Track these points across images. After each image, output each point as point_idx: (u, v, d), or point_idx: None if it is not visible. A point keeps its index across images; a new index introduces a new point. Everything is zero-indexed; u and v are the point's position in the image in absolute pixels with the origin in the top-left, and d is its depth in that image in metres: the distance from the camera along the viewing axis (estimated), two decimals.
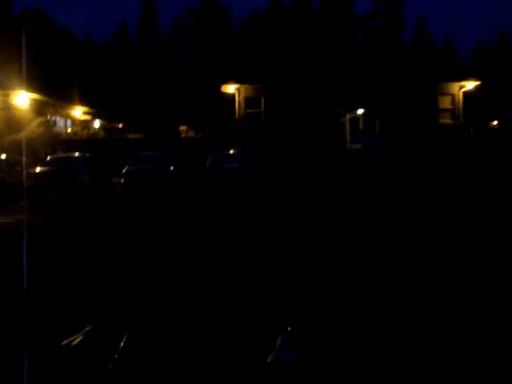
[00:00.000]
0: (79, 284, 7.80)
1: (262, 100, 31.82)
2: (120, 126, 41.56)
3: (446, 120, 32.27)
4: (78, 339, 5.24)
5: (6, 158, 24.55)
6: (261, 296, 7.03)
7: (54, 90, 35.14)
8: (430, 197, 17.27)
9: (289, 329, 4.87)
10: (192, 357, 4.96)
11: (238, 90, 31.75)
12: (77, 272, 8.57)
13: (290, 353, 4.47)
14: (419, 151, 26.08)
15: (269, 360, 4.45)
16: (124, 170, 21.62)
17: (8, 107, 31.93)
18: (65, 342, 5.17)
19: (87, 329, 5.50)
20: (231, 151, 24.15)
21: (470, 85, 32.15)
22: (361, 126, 33.20)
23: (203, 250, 10.20)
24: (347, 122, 32.92)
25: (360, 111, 32.28)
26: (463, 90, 32.25)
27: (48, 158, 24.28)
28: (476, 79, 32.40)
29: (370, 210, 15.30)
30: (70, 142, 31.11)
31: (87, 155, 23.96)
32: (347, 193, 17.78)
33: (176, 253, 9.98)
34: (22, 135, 29.68)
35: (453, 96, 32.41)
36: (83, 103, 39.94)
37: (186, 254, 9.94)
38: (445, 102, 32.62)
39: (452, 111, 32.51)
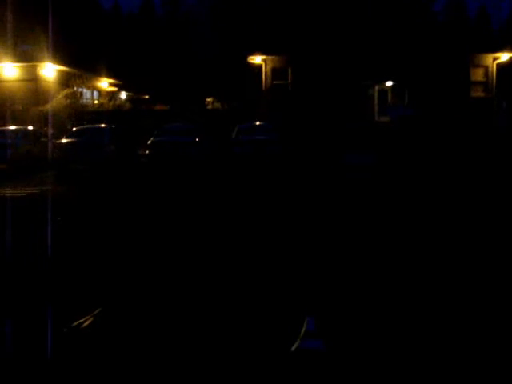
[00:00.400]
0: (96, 259, 7.70)
1: (289, 71, 31.29)
2: (146, 97, 41.44)
3: (479, 93, 31.34)
4: (88, 321, 5.12)
5: (33, 129, 24.62)
6: (278, 277, 6.84)
7: (81, 62, 35.07)
8: (455, 170, 16.86)
9: (310, 317, 4.66)
10: (212, 346, 4.77)
11: (265, 61, 31.25)
12: (96, 247, 8.47)
13: (315, 341, 4.28)
14: (449, 125, 25.46)
15: (293, 349, 4.26)
16: (149, 142, 21.49)
17: (35, 79, 32.00)
18: (75, 323, 5.06)
19: (97, 311, 5.38)
20: (257, 123, 23.81)
21: (504, 56, 31.10)
22: (389, 98, 32.53)
23: (224, 224, 10.03)
24: (375, 94, 32.28)
25: (389, 83, 31.60)
26: (497, 61, 31.23)
27: (74, 129, 24.27)
28: (511, 50, 31.33)
29: (392, 180, 15.10)
30: (97, 114, 31.04)
31: (113, 126, 23.89)
32: (371, 163, 17.45)
33: (198, 228, 9.83)
34: (49, 107, 29.77)
35: (486, 68, 31.41)
36: (110, 75, 39.84)
37: (208, 228, 9.78)
38: (477, 75, 31.65)
39: (485, 84, 31.54)
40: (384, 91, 32.47)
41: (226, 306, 5.66)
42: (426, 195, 13.08)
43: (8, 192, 15.10)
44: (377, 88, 32.13)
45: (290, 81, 31.16)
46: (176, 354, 4.56)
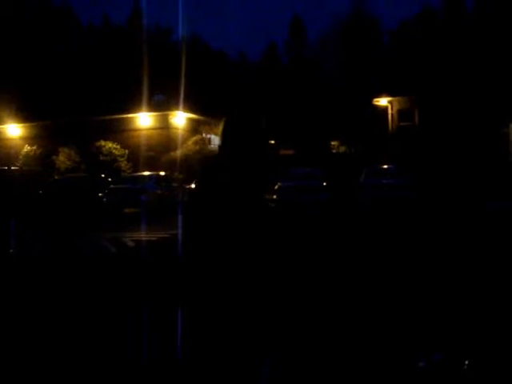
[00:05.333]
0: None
1: (416, 112, 30.47)
2: (272, 142, 42.14)
3: None
4: None
5: (165, 174, 25.69)
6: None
7: (209, 109, 36.46)
8: None
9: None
10: None
11: (391, 102, 30.72)
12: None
13: None
14: None
15: None
16: (277, 186, 21.57)
17: (166, 127, 33.65)
18: None
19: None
20: (385, 166, 23.14)
21: None
22: None
23: (351, 273, 9.60)
24: (510, 133, 30.50)
25: None
26: None
27: None
28: None
29: None
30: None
31: None
32: None
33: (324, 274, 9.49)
34: (179, 153, 31.07)
35: None
36: None
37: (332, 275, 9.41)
38: None
39: None
40: None
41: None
42: None
43: (141, 236, 15.69)
44: (511, 126, 30.37)
45: (416, 122, 30.32)
46: None
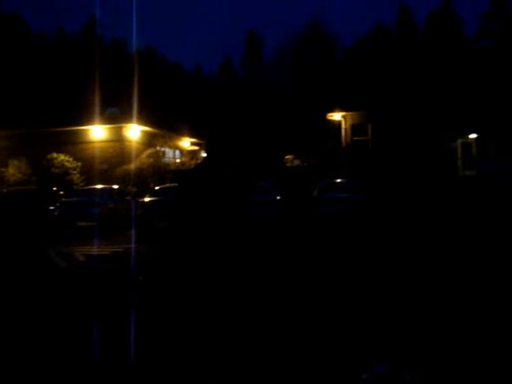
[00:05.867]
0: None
1: (369, 127, 31.02)
2: None
3: None
4: None
5: (118, 188, 25.36)
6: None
7: (163, 122, 36.26)
8: None
9: None
10: None
11: (344, 117, 31.19)
12: (178, 309, 8.29)
13: None
14: None
15: None
16: None
17: (120, 139, 33.26)
18: None
19: None
20: (339, 180, 23.30)
21: None
22: (474, 151, 31.45)
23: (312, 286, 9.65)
24: (459, 147, 31.32)
25: (473, 136, 30.62)
26: None
27: (156, 188, 24.81)
28: None
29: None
30: (179, 172, 31.81)
31: None
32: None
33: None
34: (133, 166, 30.75)
35: None
36: (191, 134, 40.94)
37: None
38: None
39: None
40: (468, 144, 31.46)
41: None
42: None
43: (93, 250, 15.42)
44: (460, 141, 31.20)
45: (369, 137, 30.86)
46: None
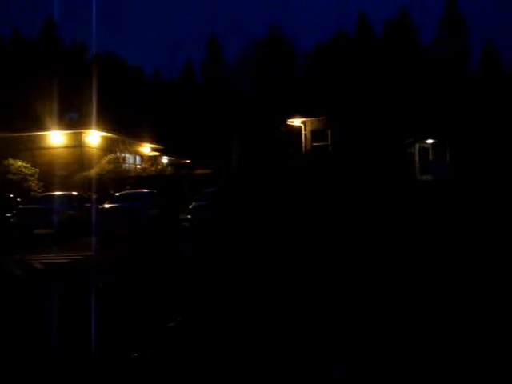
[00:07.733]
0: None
1: (329, 133, 31.45)
2: (188, 161, 41.98)
3: None
4: None
5: (78, 194, 25.08)
6: None
7: (124, 128, 35.99)
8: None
9: None
10: None
11: (304, 123, 31.55)
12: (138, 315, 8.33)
13: None
14: (494, 183, 24.73)
15: None
16: (191, 206, 21.59)
17: (80, 145, 32.89)
18: None
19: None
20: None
21: None
22: (430, 156, 32.21)
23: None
24: (416, 153, 32.02)
25: (429, 141, 31.36)
26: None
27: (117, 194, 24.63)
28: None
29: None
30: (139, 178, 31.62)
31: (155, 191, 24.17)
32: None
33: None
34: (93, 172, 30.43)
35: None
36: (152, 140, 40.75)
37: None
38: None
39: None
40: (425, 149, 32.19)
41: None
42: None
43: (51, 258, 15.22)
44: (417, 146, 31.89)
45: (329, 142, 31.27)
46: None
